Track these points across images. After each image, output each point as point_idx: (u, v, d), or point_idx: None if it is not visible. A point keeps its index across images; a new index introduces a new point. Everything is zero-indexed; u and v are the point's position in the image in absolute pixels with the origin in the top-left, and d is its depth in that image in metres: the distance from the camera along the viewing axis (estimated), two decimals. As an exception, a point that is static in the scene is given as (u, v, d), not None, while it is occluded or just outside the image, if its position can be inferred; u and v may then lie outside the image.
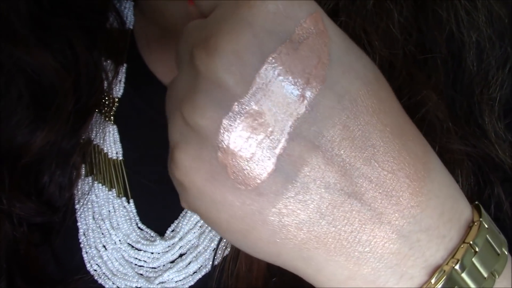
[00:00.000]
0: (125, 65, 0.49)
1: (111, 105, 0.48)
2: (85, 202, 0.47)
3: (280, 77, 0.24)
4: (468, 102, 0.37)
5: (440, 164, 0.28)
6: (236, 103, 0.25)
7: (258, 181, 0.25)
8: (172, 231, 0.45)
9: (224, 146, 0.25)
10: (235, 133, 0.25)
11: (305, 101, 0.25)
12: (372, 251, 0.26)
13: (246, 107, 0.25)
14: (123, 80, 0.49)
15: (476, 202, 0.29)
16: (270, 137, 0.25)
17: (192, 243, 0.44)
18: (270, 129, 0.25)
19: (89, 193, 0.47)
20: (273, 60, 0.24)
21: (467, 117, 0.37)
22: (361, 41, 0.35)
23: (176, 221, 0.45)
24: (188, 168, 0.26)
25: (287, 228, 0.26)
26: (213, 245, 0.43)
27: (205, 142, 0.25)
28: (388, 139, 0.26)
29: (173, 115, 0.27)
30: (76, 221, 0.47)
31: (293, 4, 0.25)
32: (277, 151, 0.25)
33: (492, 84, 0.37)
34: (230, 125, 0.25)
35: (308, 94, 0.25)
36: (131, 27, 0.50)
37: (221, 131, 0.25)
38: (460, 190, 0.29)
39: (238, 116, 0.25)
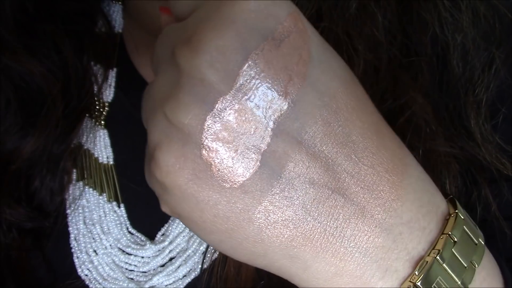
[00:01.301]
0: (115, 69, 0.49)
1: (101, 109, 0.48)
2: (76, 207, 0.47)
3: (263, 74, 0.25)
4: (454, 104, 0.38)
5: (414, 160, 0.29)
6: (219, 100, 0.25)
7: (244, 179, 0.25)
8: (162, 235, 0.45)
9: (208, 144, 0.25)
10: (219, 130, 0.25)
11: (288, 98, 0.25)
12: (357, 246, 0.26)
13: (230, 104, 0.25)
14: (113, 84, 0.49)
15: (451, 196, 0.30)
16: (255, 134, 0.25)
17: (182, 247, 0.44)
18: (254, 125, 0.25)
19: (80, 197, 0.47)
20: (256, 57, 0.25)
21: (453, 119, 0.38)
22: (345, 45, 0.35)
23: (166, 225, 0.45)
24: (171, 168, 0.25)
25: (274, 225, 0.26)
26: (202, 248, 0.43)
27: (188, 140, 0.25)
28: (366, 135, 0.26)
29: (154, 116, 0.27)
30: (67, 226, 0.47)
31: (274, 3, 0.25)
32: (262, 147, 0.25)
33: (477, 85, 0.37)
34: (214, 123, 0.25)
35: (290, 90, 0.25)
36: (120, 30, 0.50)
37: (205, 129, 0.25)
38: (435, 185, 0.29)
39: (222, 113, 0.25)
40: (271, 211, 0.26)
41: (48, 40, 0.45)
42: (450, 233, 0.27)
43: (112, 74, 0.49)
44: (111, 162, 0.48)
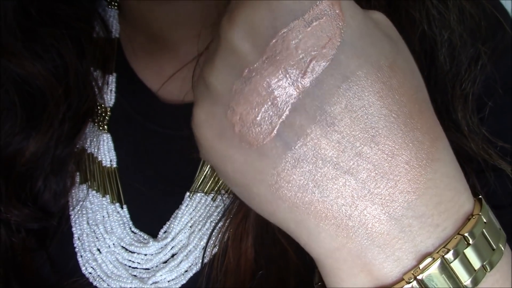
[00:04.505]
0: (114, 74, 0.50)
1: (103, 114, 0.50)
2: (79, 208, 0.48)
3: (289, 51, 0.26)
4: (442, 98, 0.39)
5: (448, 157, 0.28)
6: (247, 69, 0.27)
7: (261, 143, 0.27)
8: (164, 232, 0.46)
9: (234, 107, 0.27)
10: (244, 96, 0.27)
11: (310, 77, 0.26)
12: (362, 227, 0.27)
13: (256, 74, 0.27)
14: (113, 89, 0.50)
15: (480, 196, 0.30)
16: (275, 105, 0.27)
17: (183, 243, 0.45)
18: (275, 97, 0.27)
19: (83, 200, 0.48)
20: (284, 35, 0.26)
21: (441, 113, 0.38)
22: None
23: (168, 223, 0.46)
24: (202, 123, 0.29)
25: (282, 190, 0.27)
26: (203, 243, 0.44)
27: (217, 100, 0.28)
28: (391, 124, 0.26)
29: (199, 75, 0.30)
30: (70, 227, 0.48)
31: None
32: (280, 118, 0.27)
33: (464, 80, 0.39)
34: (241, 89, 0.27)
35: (313, 70, 0.26)
36: (117, 35, 0.51)
37: (232, 92, 0.27)
38: (466, 184, 0.29)
39: (248, 81, 0.27)
40: (281, 177, 0.27)
41: (50, 45, 0.47)
42: (465, 234, 0.27)
43: (112, 79, 0.50)
44: (114, 165, 0.49)
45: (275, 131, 0.27)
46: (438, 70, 0.39)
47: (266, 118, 0.27)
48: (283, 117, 0.27)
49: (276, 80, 0.27)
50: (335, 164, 0.26)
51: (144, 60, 0.50)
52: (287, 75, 0.27)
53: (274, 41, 0.26)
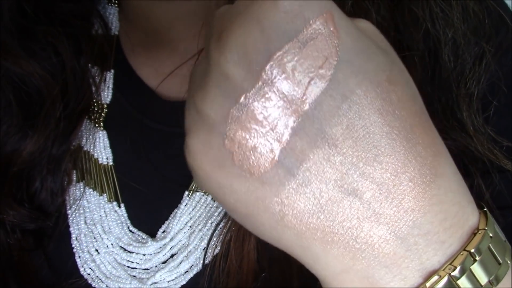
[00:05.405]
0: (112, 71, 0.50)
1: (100, 111, 0.49)
2: (77, 207, 0.47)
3: (285, 75, 0.25)
4: (446, 97, 0.38)
5: (452, 171, 0.28)
6: (242, 96, 0.26)
7: (262, 171, 0.26)
8: (163, 232, 0.45)
9: (231, 135, 0.26)
10: (241, 123, 0.26)
11: (309, 99, 0.25)
12: (368, 248, 0.26)
13: (252, 101, 0.26)
14: (111, 86, 0.49)
15: (485, 209, 0.29)
16: (274, 131, 0.26)
17: (183, 243, 0.44)
18: (274, 122, 0.26)
19: (80, 198, 0.48)
20: (279, 58, 0.25)
21: (445, 112, 0.38)
22: None
23: (167, 222, 0.45)
24: (197, 154, 0.27)
25: (287, 217, 0.26)
26: (204, 244, 0.43)
27: (213, 130, 0.26)
28: (394, 141, 0.26)
29: (188, 102, 0.28)
30: (68, 226, 0.47)
31: (304, 3, 0.25)
32: (280, 144, 0.26)
33: (469, 79, 0.38)
34: (237, 116, 0.26)
35: (311, 92, 0.25)
36: (116, 32, 0.51)
37: (229, 120, 0.26)
38: (470, 197, 0.28)
39: (245, 108, 0.26)
40: (285, 204, 0.26)
41: (46, 43, 0.46)
42: (471, 250, 0.26)
43: (110, 75, 0.50)
44: (111, 163, 0.48)
45: (276, 158, 0.26)
46: (442, 69, 0.38)
47: (266, 145, 0.26)
48: (283, 142, 0.26)
49: (274, 105, 0.25)
50: (339, 187, 0.26)
51: (143, 57, 0.50)
52: (285, 99, 0.25)
53: (269, 65, 0.25)
